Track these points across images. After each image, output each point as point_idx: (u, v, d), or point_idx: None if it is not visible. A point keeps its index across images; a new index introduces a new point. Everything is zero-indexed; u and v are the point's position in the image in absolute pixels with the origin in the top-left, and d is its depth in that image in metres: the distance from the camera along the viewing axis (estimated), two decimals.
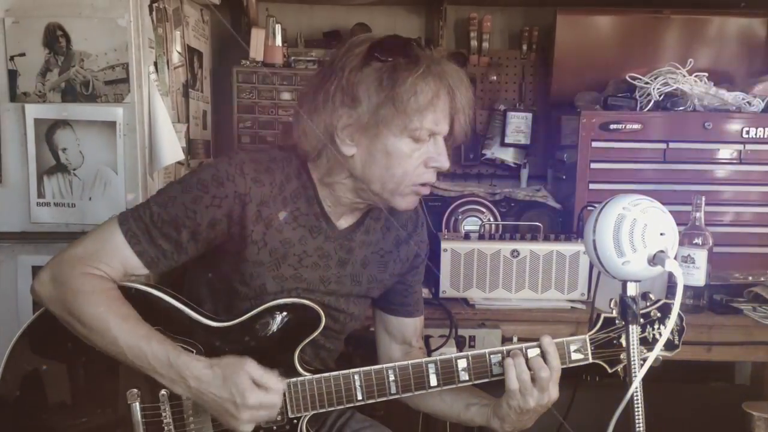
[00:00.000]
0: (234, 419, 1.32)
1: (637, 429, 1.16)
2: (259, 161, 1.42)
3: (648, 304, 1.40)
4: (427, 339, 2.01)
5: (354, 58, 1.34)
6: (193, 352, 1.38)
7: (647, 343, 1.40)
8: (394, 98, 1.31)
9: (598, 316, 1.42)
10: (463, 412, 1.54)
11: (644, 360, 1.21)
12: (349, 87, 1.33)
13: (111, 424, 1.41)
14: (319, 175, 1.45)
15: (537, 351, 1.40)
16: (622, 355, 1.40)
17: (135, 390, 1.38)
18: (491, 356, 1.42)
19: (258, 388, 1.32)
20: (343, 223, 1.51)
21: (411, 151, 1.37)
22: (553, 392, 1.40)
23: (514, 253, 2.12)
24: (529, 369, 1.38)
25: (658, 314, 1.41)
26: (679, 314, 1.40)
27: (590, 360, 1.42)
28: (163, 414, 1.39)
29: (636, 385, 1.14)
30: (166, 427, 1.39)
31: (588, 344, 1.42)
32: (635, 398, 1.16)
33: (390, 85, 1.31)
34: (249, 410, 1.31)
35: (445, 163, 1.40)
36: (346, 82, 1.33)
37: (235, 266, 1.42)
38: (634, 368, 1.18)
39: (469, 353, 1.42)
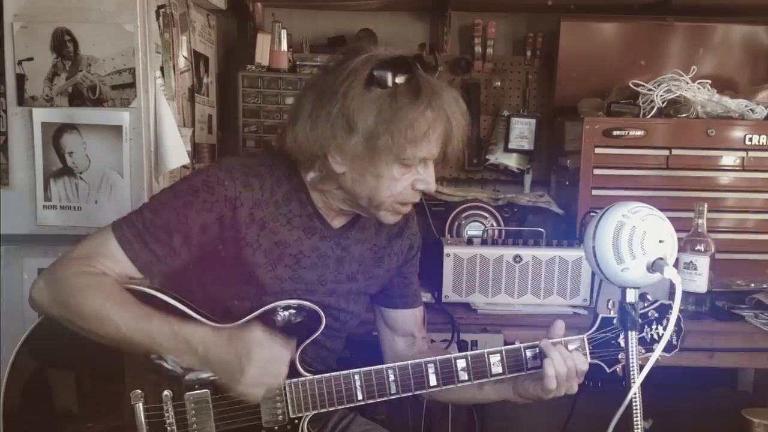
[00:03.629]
0: (241, 378, 1.31)
1: None
2: (248, 166, 1.44)
3: (646, 304, 1.41)
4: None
5: (355, 85, 1.34)
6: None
7: (645, 343, 1.41)
8: (391, 131, 1.32)
9: (596, 316, 1.42)
10: (478, 392, 1.55)
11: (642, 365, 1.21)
12: (348, 113, 1.33)
13: (115, 425, 1.41)
14: (310, 180, 1.46)
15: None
16: (620, 355, 1.41)
17: (138, 391, 1.39)
18: (490, 356, 1.43)
19: (263, 347, 1.33)
20: (337, 222, 1.52)
21: (400, 176, 1.39)
22: (574, 385, 1.43)
23: (517, 259, 2.12)
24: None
25: (656, 314, 1.42)
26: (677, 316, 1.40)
27: (588, 360, 1.43)
28: (166, 414, 1.40)
29: (635, 389, 1.15)
30: (168, 428, 1.39)
31: (586, 344, 1.43)
32: (634, 403, 1.16)
33: (388, 117, 1.32)
34: (254, 368, 1.31)
35: (432, 186, 1.43)
36: (346, 109, 1.33)
37: (233, 269, 1.43)
38: (633, 374, 1.18)
39: (468, 353, 1.43)
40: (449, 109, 1.36)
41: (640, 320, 1.29)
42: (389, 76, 1.33)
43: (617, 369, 1.43)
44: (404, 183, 1.40)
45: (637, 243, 1.16)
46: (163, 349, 1.35)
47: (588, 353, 1.43)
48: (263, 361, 1.32)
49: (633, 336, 1.20)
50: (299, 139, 1.39)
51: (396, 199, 1.42)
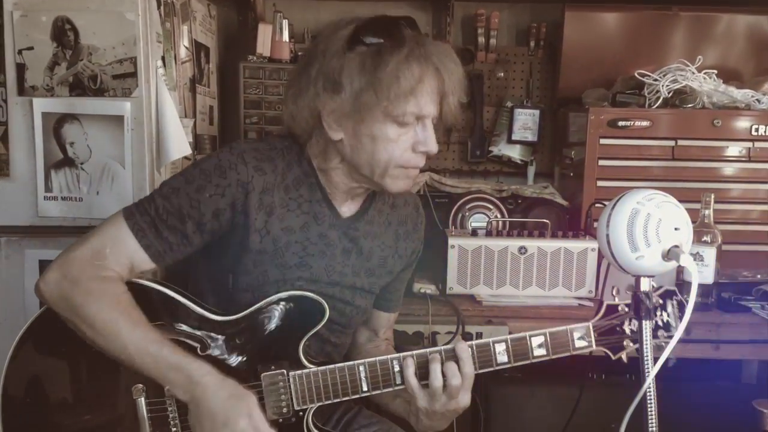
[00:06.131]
0: None
1: (650, 426, 1.15)
2: (260, 150, 1.42)
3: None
4: (433, 335, 2.02)
5: (337, 42, 1.32)
6: (197, 347, 1.38)
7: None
8: (374, 84, 1.29)
9: (601, 303, 1.41)
10: (390, 402, 1.55)
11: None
12: (332, 72, 1.31)
13: (117, 420, 1.41)
14: (317, 162, 1.45)
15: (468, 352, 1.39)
16: (625, 342, 1.39)
17: (140, 385, 1.38)
18: (495, 345, 1.41)
19: (250, 424, 1.30)
20: (347, 210, 1.50)
21: (397, 136, 1.35)
22: (463, 399, 1.38)
23: (522, 250, 2.11)
24: (443, 375, 1.36)
25: (660, 301, 1.39)
26: (680, 301, 1.40)
27: (594, 347, 1.41)
28: (169, 409, 1.38)
29: (650, 381, 1.13)
30: (171, 422, 1.38)
31: (591, 331, 1.41)
32: (648, 394, 1.15)
33: (371, 70, 1.29)
34: None
35: (433, 147, 1.38)
36: (328, 67, 1.32)
37: (239, 256, 1.42)
38: (647, 364, 1.17)
39: (474, 342, 1.41)
40: (437, 59, 1.32)
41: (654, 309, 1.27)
42: (372, 34, 1.31)
43: (622, 356, 1.42)
44: (403, 145, 1.36)
45: (653, 230, 1.14)
46: (162, 378, 1.32)
47: (593, 340, 1.41)
48: None
49: (647, 325, 1.18)
50: (291, 109, 1.39)
51: (397, 162, 1.38)
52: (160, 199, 1.39)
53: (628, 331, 1.37)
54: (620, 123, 2.33)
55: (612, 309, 1.40)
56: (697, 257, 2.00)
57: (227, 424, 1.28)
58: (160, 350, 1.31)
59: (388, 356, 1.41)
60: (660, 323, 1.39)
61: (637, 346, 1.32)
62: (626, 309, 1.37)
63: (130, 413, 1.39)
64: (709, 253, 2.01)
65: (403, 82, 1.29)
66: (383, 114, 1.32)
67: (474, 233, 2.19)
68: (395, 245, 1.58)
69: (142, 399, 1.38)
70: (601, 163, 2.36)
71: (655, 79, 2.37)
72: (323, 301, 1.40)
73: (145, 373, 1.32)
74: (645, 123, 2.33)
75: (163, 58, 2.00)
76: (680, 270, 1.84)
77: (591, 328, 1.41)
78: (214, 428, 1.29)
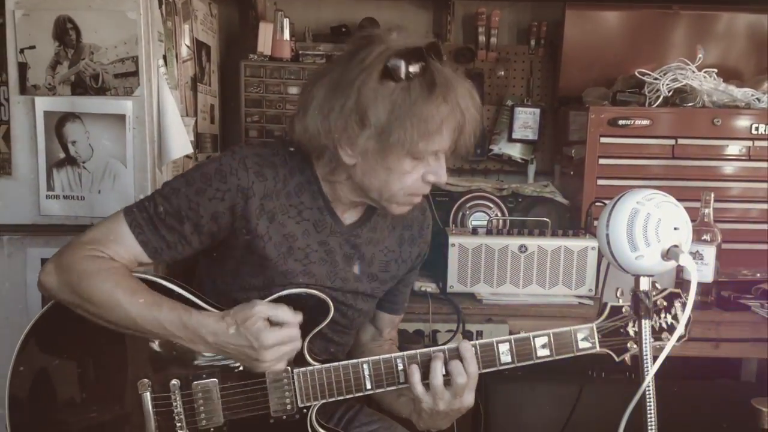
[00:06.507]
0: (259, 362, 1.35)
1: (649, 424, 1.15)
2: (262, 155, 1.43)
3: (654, 293, 1.39)
4: (434, 334, 2.02)
5: (371, 78, 1.31)
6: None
7: (654, 332, 1.39)
8: (404, 127, 1.30)
9: (605, 304, 1.41)
10: (394, 401, 1.56)
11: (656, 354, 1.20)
12: (362, 107, 1.32)
13: (122, 415, 1.42)
14: (322, 172, 1.45)
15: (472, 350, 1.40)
16: (629, 344, 1.40)
17: (146, 380, 1.39)
18: (499, 345, 1.42)
19: (273, 327, 1.34)
20: (348, 218, 1.51)
21: (411, 168, 1.38)
22: (467, 399, 1.40)
23: (522, 249, 2.11)
24: (447, 373, 1.37)
25: (665, 303, 1.41)
26: (684, 303, 1.41)
27: (597, 349, 1.42)
28: (174, 403, 1.40)
29: (649, 380, 1.14)
30: (176, 417, 1.40)
31: (595, 333, 1.42)
32: (647, 393, 1.16)
33: (402, 113, 1.30)
34: (269, 350, 1.33)
35: (443, 178, 1.41)
36: (360, 103, 1.32)
37: (242, 261, 1.43)
38: (647, 363, 1.17)
39: (478, 342, 1.42)
40: (463, 103, 1.34)
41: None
42: (403, 69, 1.31)
43: (626, 358, 1.42)
44: (415, 176, 1.39)
45: (652, 230, 1.15)
46: (175, 338, 1.36)
47: (597, 342, 1.42)
48: (277, 343, 1.33)
49: (647, 324, 1.19)
50: (309, 129, 1.38)
51: (406, 191, 1.41)
52: (160, 198, 1.40)
53: (632, 333, 1.38)
54: (620, 122, 2.33)
55: (616, 310, 1.41)
56: (696, 256, 2.01)
57: (255, 348, 1.32)
58: (161, 312, 1.34)
59: (392, 354, 1.42)
60: (664, 326, 1.40)
61: None
62: (630, 311, 1.37)
63: (135, 408, 1.40)
64: (709, 252, 2.01)
65: (431, 125, 1.32)
66: (405, 151, 1.34)
67: (474, 232, 2.20)
68: (399, 250, 1.59)
69: (148, 394, 1.39)
70: (602, 161, 2.36)
71: (656, 78, 2.37)
72: (328, 299, 1.41)
73: (154, 336, 1.36)
74: (645, 122, 2.33)
75: (164, 57, 2.01)
76: (680, 269, 1.84)
77: (595, 329, 1.41)
78: (249, 357, 1.35)
